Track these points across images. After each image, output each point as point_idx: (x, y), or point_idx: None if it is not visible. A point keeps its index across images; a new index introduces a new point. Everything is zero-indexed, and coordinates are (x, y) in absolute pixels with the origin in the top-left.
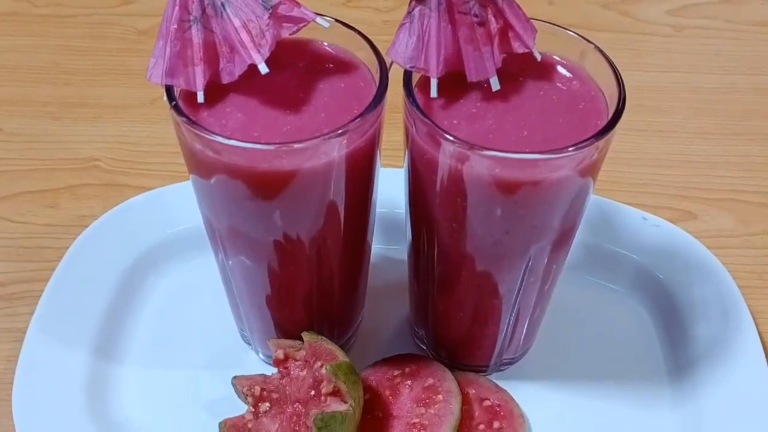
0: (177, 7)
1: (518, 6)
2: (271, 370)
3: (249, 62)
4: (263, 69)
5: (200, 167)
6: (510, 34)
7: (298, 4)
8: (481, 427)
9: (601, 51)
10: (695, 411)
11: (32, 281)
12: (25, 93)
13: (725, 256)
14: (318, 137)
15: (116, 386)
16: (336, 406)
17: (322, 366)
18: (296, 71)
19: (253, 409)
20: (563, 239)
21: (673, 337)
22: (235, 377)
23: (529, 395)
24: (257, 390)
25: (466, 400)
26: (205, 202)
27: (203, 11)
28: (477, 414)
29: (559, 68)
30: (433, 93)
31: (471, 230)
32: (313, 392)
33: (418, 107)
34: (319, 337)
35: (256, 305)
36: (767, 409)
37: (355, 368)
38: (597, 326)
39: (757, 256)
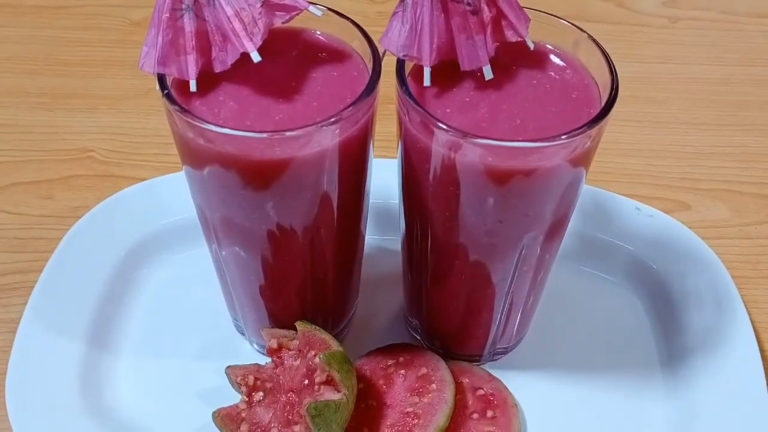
0: None
1: None
2: (264, 360)
3: (241, 51)
4: (256, 58)
5: (193, 156)
6: (503, 22)
7: None
8: (475, 416)
9: (594, 40)
10: (688, 400)
11: (26, 272)
12: (19, 84)
13: (719, 246)
14: (311, 125)
15: (110, 376)
16: (329, 395)
17: (315, 355)
18: (289, 60)
19: (247, 399)
20: (556, 229)
21: (667, 327)
22: (228, 367)
23: (522, 384)
24: (251, 379)
25: (459, 389)
26: (198, 192)
27: (195, 0)
28: (470, 403)
29: (553, 57)
30: (426, 82)
31: (464, 219)
32: (306, 381)
33: (411, 96)
34: (313, 326)
35: (249, 295)
36: (760, 399)
37: (348, 357)
38: (590, 316)
39: (750, 246)
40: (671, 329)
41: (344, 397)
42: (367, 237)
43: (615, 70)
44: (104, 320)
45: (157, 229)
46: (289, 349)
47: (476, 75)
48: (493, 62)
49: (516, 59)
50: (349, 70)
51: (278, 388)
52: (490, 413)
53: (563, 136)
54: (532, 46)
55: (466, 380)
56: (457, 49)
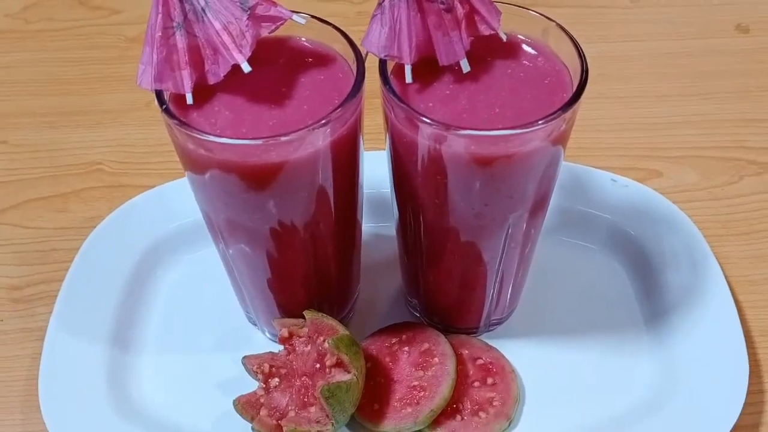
0: (160, 15)
1: None
2: (277, 348)
3: (232, 62)
4: (246, 68)
5: (194, 165)
6: (476, 17)
7: (275, 4)
8: (476, 384)
9: (562, 28)
10: (672, 353)
11: (48, 282)
12: (26, 105)
13: (691, 209)
14: (303, 129)
15: (134, 373)
16: (340, 376)
17: (324, 341)
18: (277, 67)
19: (264, 385)
20: (539, 206)
21: (648, 288)
22: (244, 357)
23: (518, 351)
24: (266, 367)
25: (460, 360)
26: (202, 197)
27: (185, 17)
28: (471, 372)
29: (524, 47)
30: (408, 79)
31: (453, 205)
32: (318, 365)
33: (394, 93)
34: (320, 314)
35: (258, 289)
36: (736, 348)
37: (355, 339)
38: (576, 283)
39: (720, 207)
40: (652, 289)
41: (354, 377)
42: (363, 225)
43: (584, 55)
44: (125, 321)
45: (167, 233)
46: (300, 337)
47: (454, 69)
48: (470, 56)
49: (490, 51)
50: (335, 72)
51: (292, 373)
52: (490, 380)
53: (540, 122)
54: (504, 38)
55: (465, 351)
56: (434, 46)
